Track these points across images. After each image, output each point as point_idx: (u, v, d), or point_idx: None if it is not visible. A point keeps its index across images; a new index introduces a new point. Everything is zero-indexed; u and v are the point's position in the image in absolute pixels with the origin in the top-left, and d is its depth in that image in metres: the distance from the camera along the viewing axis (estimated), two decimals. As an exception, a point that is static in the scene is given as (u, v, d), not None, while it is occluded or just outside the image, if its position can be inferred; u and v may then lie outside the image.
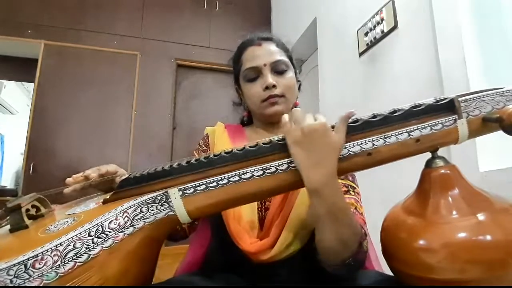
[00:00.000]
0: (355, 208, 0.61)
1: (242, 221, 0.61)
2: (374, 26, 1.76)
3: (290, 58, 0.75)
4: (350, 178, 0.67)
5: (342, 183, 0.64)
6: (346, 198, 0.60)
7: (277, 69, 0.70)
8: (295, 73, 0.76)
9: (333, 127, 0.46)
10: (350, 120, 0.47)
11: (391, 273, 0.50)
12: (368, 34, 1.81)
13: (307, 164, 0.44)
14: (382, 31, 1.69)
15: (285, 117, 0.48)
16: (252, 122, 0.81)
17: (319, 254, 0.52)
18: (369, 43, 1.81)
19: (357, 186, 0.67)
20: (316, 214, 0.46)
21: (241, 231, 0.59)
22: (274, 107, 0.69)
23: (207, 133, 0.77)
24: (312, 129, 0.44)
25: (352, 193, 0.64)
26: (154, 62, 3.21)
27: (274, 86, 0.68)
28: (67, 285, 0.38)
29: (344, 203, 0.47)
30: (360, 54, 1.90)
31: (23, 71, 3.42)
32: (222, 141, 0.72)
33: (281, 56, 0.72)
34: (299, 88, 0.79)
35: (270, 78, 0.68)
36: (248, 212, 0.62)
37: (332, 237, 0.47)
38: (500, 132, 0.44)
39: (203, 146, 0.76)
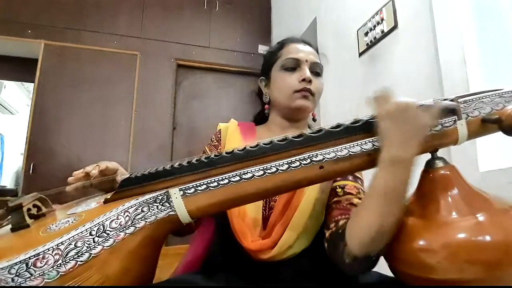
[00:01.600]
0: None
1: (246, 217, 0.61)
2: (374, 26, 1.76)
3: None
4: (360, 182, 0.65)
5: (354, 185, 0.62)
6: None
7: (314, 70, 0.72)
8: None
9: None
10: (350, 121, 0.48)
11: (391, 273, 0.50)
12: (368, 34, 1.81)
13: (395, 139, 0.43)
14: (382, 31, 1.70)
15: (378, 91, 0.48)
16: (266, 120, 0.79)
17: (345, 242, 0.48)
18: (369, 43, 1.81)
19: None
20: (380, 189, 0.44)
21: (244, 227, 0.60)
22: (304, 101, 0.69)
23: (220, 129, 0.77)
24: (407, 105, 0.44)
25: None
26: (154, 62, 3.21)
27: (310, 81, 0.69)
28: (68, 284, 0.38)
29: (407, 189, 0.44)
30: (360, 54, 1.90)
31: (23, 71, 3.41)
32: (234, 138, 0.72)
33: (320, 61, 0.74)
34: None
35: (308, 73, 0.70)
36: (252, 209, 0.62)
37: (377, 221, 0.43)
38: (500, 132, 0.45)
39: (215, 141, 0.76)
